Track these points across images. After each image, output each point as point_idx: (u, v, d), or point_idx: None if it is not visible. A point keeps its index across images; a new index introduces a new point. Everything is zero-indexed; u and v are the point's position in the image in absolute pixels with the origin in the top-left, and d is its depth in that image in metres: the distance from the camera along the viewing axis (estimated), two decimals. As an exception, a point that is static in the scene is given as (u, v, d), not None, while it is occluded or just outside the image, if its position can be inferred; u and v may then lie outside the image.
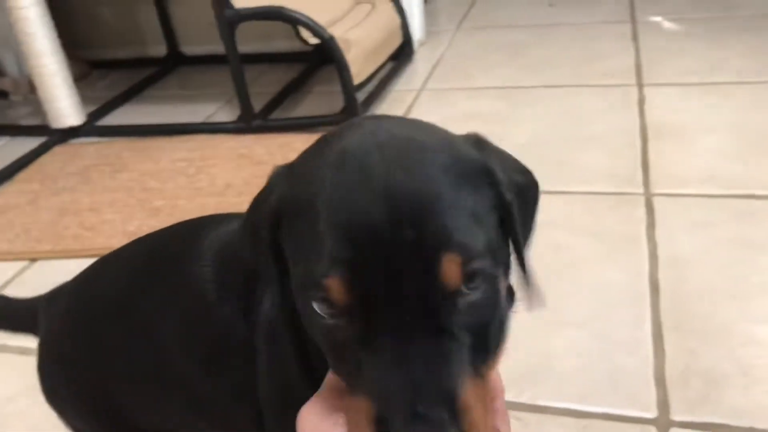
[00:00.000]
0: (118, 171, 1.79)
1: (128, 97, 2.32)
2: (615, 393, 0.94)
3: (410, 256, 0.38)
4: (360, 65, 1.83)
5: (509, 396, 0.91)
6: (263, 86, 2.17)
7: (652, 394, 0.93)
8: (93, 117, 2.14)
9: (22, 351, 1.16)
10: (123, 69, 2.59)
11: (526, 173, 0.49)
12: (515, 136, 1.67)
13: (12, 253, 1.48)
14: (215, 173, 1.70)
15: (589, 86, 1.89)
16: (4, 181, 1.83)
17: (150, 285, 0.63)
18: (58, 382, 0.69)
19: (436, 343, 0.39)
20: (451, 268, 0.38)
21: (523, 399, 0.94)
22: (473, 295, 0.40)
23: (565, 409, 0.93)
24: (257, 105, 1.95)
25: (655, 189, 1.38)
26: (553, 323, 1.06)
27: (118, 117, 2.20)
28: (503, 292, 0.44)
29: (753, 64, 1.86)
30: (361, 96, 1.88)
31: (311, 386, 0.47)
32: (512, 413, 0.93)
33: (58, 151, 1.98)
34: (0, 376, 1.14)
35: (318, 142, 0.47)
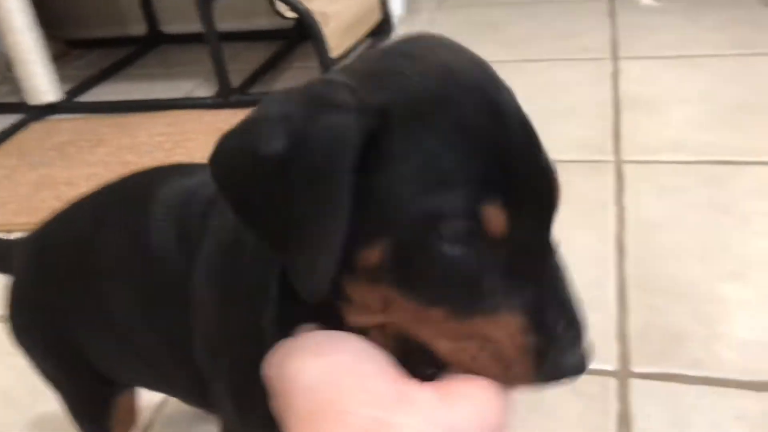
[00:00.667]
0: (96, 146, 1.79)
1: (107, 75, 2.31)
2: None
3: (547, 180, 0.38)
4: (338, 39, 1.83)
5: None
6: (243, 63, 2.17)
7: (613, 348, 0.95)
8: (71, 94, 2.13)
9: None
10: (102, 48, 2.58)
11: None
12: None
13: (-13, 224, 1.49)
14: (193, 147, 1.70)
15: (565, 60, 1.90)
16: (-19, 156, 1.83)
17: (105, 231, 0.63)
18: (26, 321, 0.69)
19: (560, 263, 0.40)
20: (561, 191, 0.40)
21: (488, 354, 0.96)
22: None
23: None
24: (237, 81, 1.96)
25: (626, 156, 1.40)
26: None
27: (96, 94, 2.20)
28: None
29: (725, 38, 1.88)
30: (338, 71, 1.88)
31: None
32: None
33: (36, 127, 1.98)
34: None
35: (373, 57, 0.41)
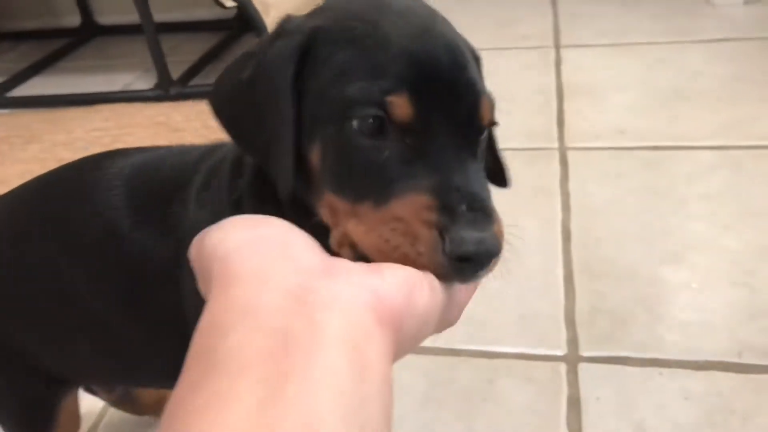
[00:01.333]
0: (29, 142, 1.72)
1: (40, 69, 2.22)
2: (527, 334, 0.97)
3: (464, 91, 0.43)
4: (280, 29, 1.80)
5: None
6: (184, 54, 2.12)
7: (562, 333, 0.97)
8: (2, 88, 2.04)
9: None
10: (34, 40, 2.48)
11: None
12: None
13: None
14: (131, 142, 1.65)
15: (508, 49, 1.91)
16: None
17: (49, 222, 0.60)
18: None
19: (476, 162, 0.43)
20: (486, 110, 0.44)
21: (439, 344, 0.96)
22: (484, 139, 0.45)
23: (479, 350, 0.95)
24: (177, 73, 1.90)
25: (570, 143, 1.42)
26: (469, 272, 1.08)
27: (29, 89, 2.11)
28: None
29: (662, 26, 1.93)
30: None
31: None
32: (427, 358, 0.95)
33: (-36, 124, 1.89)
34: None
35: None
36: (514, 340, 0.96)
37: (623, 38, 1.89)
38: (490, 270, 0.41)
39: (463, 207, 0.39)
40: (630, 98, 1.57)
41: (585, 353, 0.93)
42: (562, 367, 0.91)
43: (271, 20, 1.75)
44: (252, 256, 0.35)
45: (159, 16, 1.81)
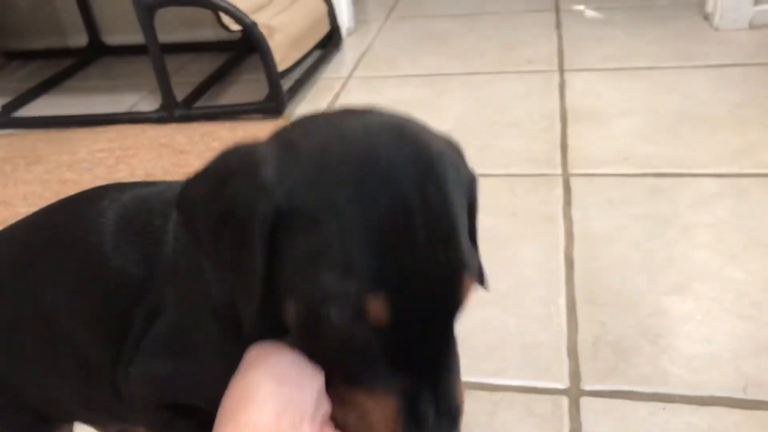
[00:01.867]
0: (33, 163, 1.73)
1: (46, 88, 2.23)
2: (529, 366, 0.96)
3: (442, 277, 0.40)
4: (284, 52, 1.81)
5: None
6: (189, 76, 2.13)
7: (564, 365, 0.95)
8: (8, 109, 2.05)
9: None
10: (42, 60, 2.50)
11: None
12: (439, 123, 1.66)
13: None
14: (135, 163, 1.65)
15: (512, 73, 1.91)
16: None
17: (40, 252, 0.60)
18: None
19: (450, 352, 0.43)
20: (467, 288, 0.42)
21: (439, 375, 0.95)
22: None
23: (479, 383, 0.94)
24: (182, 94, 1.91)
25: (573, 170, 1.41)
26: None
27: (35, 108, 2.12)
28: None
29: (666, 51, 1.92)
30: (287, 83, 1.86)
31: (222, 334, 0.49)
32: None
33: (-31, 144, 1.90)
34: None
35: (317, 129, 0.44)
36: (516, 372, 0.95)
37: (628, 62, 1.89)
38: None
39: (431, 413, 0.40)
40: (635, 123, 1.57)
41: (587, 387, 0.92)
42: (564, 401, 0.90)
43: (276, 44, 1.75)
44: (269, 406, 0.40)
45: (164, 37, 1.82)
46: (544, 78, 1.85)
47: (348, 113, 0.46)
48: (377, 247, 0.39)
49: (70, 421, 0.72)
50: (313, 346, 0.43)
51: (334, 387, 0.43)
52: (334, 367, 0.42)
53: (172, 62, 1.90)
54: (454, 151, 0.46)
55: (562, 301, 1.07)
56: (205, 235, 0.44)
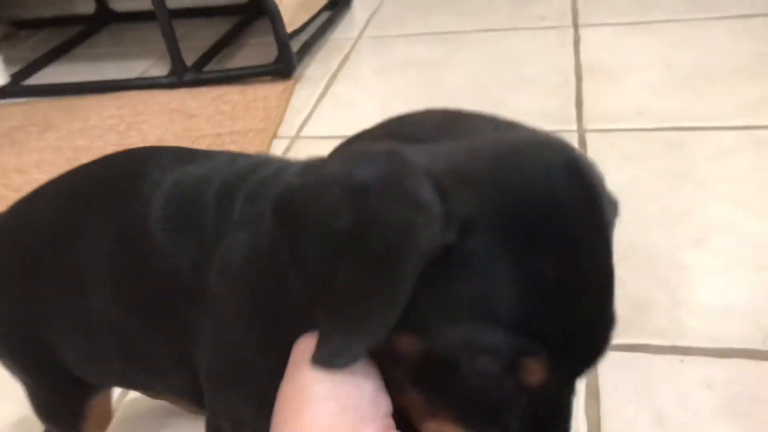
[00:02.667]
0: (45, 131, 1.73)
1: (56, 56, 2.22)
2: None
3: (598, 338, 0.38)
4: (293, 13, 1.78)
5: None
6: (198, 40, 2.10)
7: (580, 320, 0.95)
8: (18, 77, 2.05)
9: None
10: (50, 28, 2.48)
11: None
12: (452, 81, 1.66)
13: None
14: (146, 129, 1.65)
15: (525, 29, 1.88)
16: (-76, 146, 1.75)
17: (83, 222, 0.58)
18: None
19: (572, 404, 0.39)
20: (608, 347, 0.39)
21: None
22: None
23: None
24: (192, 59, 1.89)
25: (588, 125, 1.39)
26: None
27: (45, 77, 2.11)
28: None
29: (683, 3, 1.87)
30: (296, 45, 1.84)
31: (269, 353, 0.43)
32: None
33: (-19, 113, 1.90)
34: None
35: (478, 143, 0.37)
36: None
37: (644, 16, 1.84)
38: None
39: None
40: (651, 78, 1.54)
41: (604, 340, 0.91)
42: (581, 355, 0.90)
43: (284, 5, 1.73)
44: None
45: (172, 2, 1.80)
46: (557, 34, 1.82)
47: (499, 125, 0.39)
48: (547, 302, 0.34)
49: (110, 387, 0.73)
50: (428, 383, 0.37)
51: (432, 414, 0.38)
52: (450, 410, 0.37)
53: (180, 27, 1.88)
54: (602, 178, 0.41)
55: (577, 256, 1.06)
56: (314, 254, 0.36)
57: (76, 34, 2.36)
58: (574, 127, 1.39)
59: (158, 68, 2.02)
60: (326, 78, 1.77)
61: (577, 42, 1.75)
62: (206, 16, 2.33)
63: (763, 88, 1.43)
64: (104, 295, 0.57)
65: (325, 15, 2.07)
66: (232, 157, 0.56)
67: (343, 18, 2.13)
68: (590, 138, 1.35)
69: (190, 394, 0.58)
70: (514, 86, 1.58)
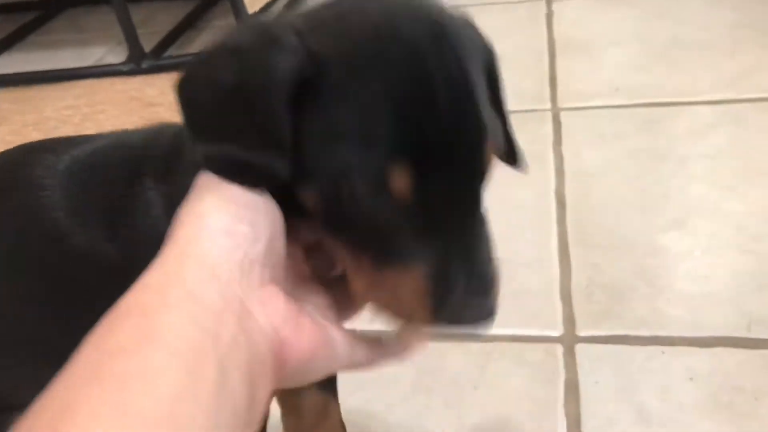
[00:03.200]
0: (2, 125, 1.64)
1: (8, 45, 2.13)
2: (520, 314, 0.91)
3: (464, 142, 0.39)
4: (254, -5, 1.71)
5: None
6: (157, 25, 2.02)
7: (558, 311, 0.91)
8: (-32, 68, 1.96)
9: None
10: (3, 14, 2.38)
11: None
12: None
13: None
14: (103, 120, 1.57)
15: (496, 4, 1.82)
16: None
17: None
18: None
19: (480, 223, 0.41)
20: (489, 156, 0.40)
21: (427, 328, 0.90)
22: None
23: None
24: (151, 45, 1.81)
25: (563, 104, 1.34)
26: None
27: (-2, 66, 2.02)
28: None
29: (658, -26, 1.83)
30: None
31: None
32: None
33: (-71, 107, 1.81)
34: None
35: (333, 5, 0.41)
36: (507, 320, 0.90)
37: (616, -12, 1.79)
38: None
39: (462, 280, 0.39)
40: (626, 53, 1.49)
41: (582, 333, 0.87)
42: (559, 349, 0.86)
43: (244, -14, 1.65)
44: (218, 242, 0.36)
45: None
46: (529, 8, 1.76)
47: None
48: (399, 117, 0.37)
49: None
50: (339, 231, 0.41)
51: (363, 271, 0.41)
52: (362, 249, 0.41)
53: (138, 12, 1.80)
54: (470, 26, 0.45)
55: (554, 243, 1.01)
56: (210, 121, 0.39)
57: (31, 20, 2.26)
58: (548, 106, 1.34)
59: (115, 55, 1.93)
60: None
61: (549, 16, 1.70)
62: (165, 0, 2.24)
63: (740, 60, 1.39)
64: (16, 293, 0.53)
65: (288, -6, 1.99)
66: (124, 131, 0.56)
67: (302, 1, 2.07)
68: (564, 117, 1.30)
69: None
70: (486, 65, 1.52)
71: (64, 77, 1.81)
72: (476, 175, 0.40)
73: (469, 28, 0.44)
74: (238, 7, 1.65)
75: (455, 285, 0.39)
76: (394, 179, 0.37)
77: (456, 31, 0.40)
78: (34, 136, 1.56)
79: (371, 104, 0.37)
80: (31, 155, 0.54)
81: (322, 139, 0.38)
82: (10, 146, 1.60)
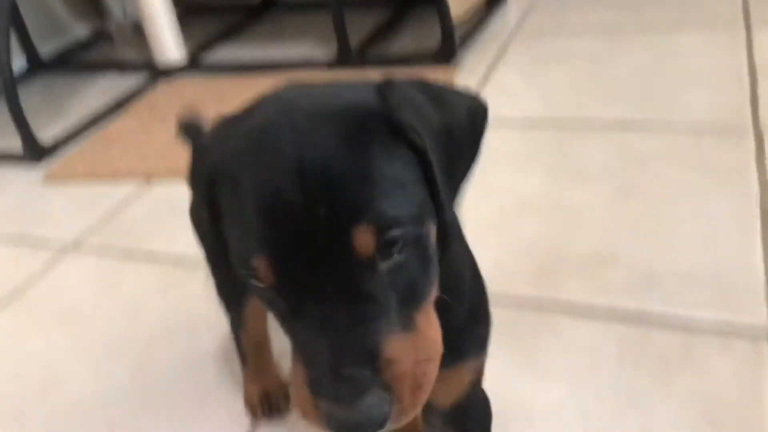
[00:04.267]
0: (220, 103, 1.86)
1: (226, 37, 2.39)
2: (724, 307, 0.94)
3: (325, 231, 0.40)
4: (458, 3, 1.83)
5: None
6: (358, 27, 2.19)
7: (763, 314, 0.93)
8: (194, 55, 2.22)
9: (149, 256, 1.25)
10: (215, 15, 2.65)
11: (454, 107, 0.49)
12: (615, 73, 1.65)
13: (131, 172, 1.59)
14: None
15: (691, 26, 1.83)
16: (116, 111, 1.95)
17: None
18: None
19: (357, 308, 0.41)
20: (364, 239, 0.40)
21: (631, 311, 0.96)
22: (396, 259, 0.42)
23: (674, 314, 0.94)
24: (354, 44, 1.98)
25: (765, 121, 1.34)
26: (663, 245, 1.07)
27: (216, 56, 2.27)
28: (433, 244, 0.45)
29: None
30: (456, 33, 1.88)
31: None
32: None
33: (164, 85, 2.08)
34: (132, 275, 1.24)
35: (246, 110, 0.47)
36: (710, 310, 0.94)
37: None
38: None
39: (326, 383, 0.40)
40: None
41: (791, 331, 0.89)
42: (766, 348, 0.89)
43: (452, -8, 1.77)
44: None
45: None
46: (727, 32, 1.76)
47: (278, 91, 0.48)
48: (261, 213, 0.41)
49: None
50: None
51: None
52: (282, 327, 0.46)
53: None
54: (369, 104, 0.44)
55: (758, 249, 1.04)
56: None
57: (240, 19, 2.52)
58: (750, 126, 1.35)
59: (320, 52, 2.12)
60: (485, 66, 1.80)
61: (749, 41, 1.69)
62: (368, 4, 2.42)
63: None
64: None
65: (485, 11, 2.10)
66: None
67: (501, 9, 2.16)
68: (767, 134, 1.30)
69: None
70: (683, 83, 1.55)
71: (277, 68, 2.02)
72: (344, 259, 0.40)
73: (379, 105, 0.44)
74: (443, 13, 1.77)
75: (321, 389, 0.40)
76: (259, 271, 0.41)
77: (324, 120, 0.42)
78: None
79: (243, 200, 0.42)
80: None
81: (226, 226, 0.45)
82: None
